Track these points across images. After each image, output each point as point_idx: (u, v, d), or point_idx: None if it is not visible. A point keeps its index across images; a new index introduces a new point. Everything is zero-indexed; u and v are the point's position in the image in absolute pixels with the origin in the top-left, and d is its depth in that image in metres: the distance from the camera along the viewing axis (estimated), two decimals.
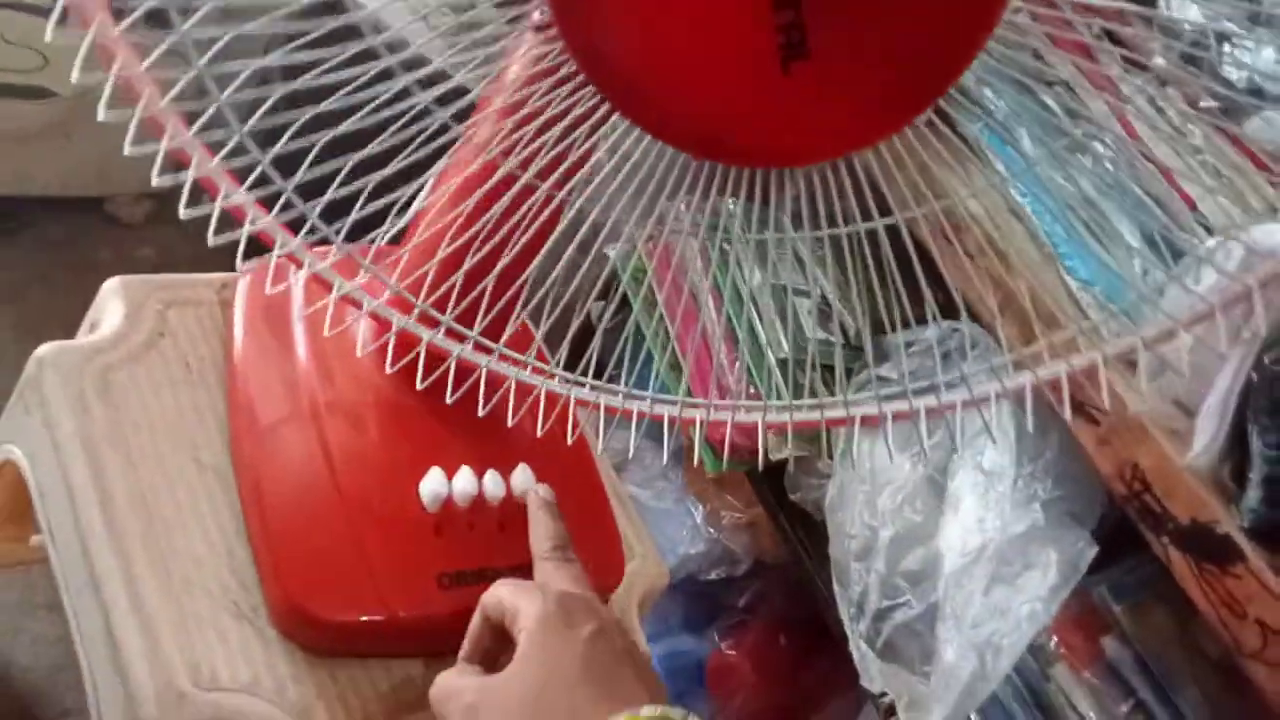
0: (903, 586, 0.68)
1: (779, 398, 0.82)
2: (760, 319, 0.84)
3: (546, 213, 0.45)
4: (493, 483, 0.52)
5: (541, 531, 0.50)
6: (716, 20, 0.35)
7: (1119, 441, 0.61)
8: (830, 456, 0.79)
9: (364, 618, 0.48)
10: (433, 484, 0.50)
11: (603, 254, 0.55)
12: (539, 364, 0.49)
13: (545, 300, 0.47)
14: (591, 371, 0.51)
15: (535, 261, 0.47)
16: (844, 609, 0.71)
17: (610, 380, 0.52)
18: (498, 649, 0.46)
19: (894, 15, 0.38)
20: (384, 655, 0.50)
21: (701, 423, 0.53)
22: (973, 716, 0.70)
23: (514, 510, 0.52)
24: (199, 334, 0.55)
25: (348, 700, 0.48)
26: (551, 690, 0.43)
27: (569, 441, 0.50)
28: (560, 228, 0.47)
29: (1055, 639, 0.67)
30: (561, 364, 0.50)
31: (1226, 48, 0.60)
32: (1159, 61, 0.64)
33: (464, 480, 0.51)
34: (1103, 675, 0.65)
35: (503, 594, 0.46)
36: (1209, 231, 0.64)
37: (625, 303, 0.66)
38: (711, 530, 1.01)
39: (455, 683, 0.45)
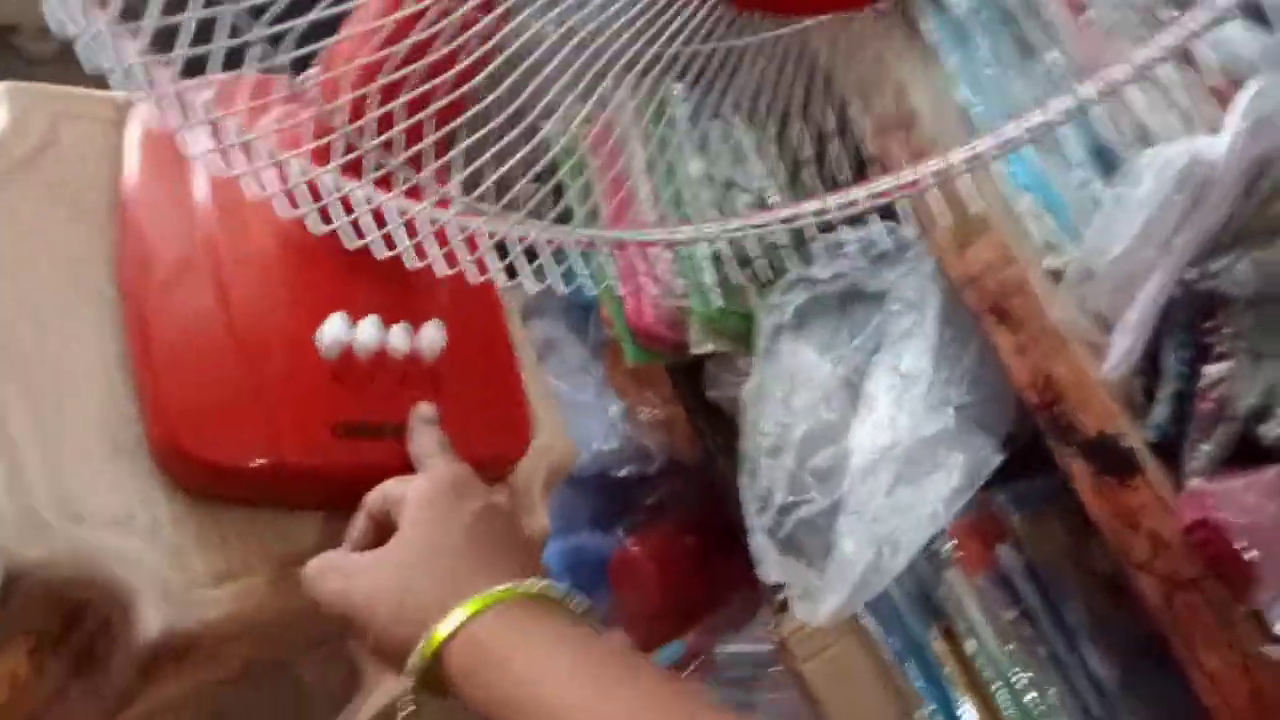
0: (809, 482, 0.68)
1: (704, 295, 0.81)
2: (692, 203, 0.82)
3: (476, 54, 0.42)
4: (399, 335, 0.49)
5: (424, 438, 0.48)
6: None
7: (1036, 351, 0.61)
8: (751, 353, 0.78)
9: (251, 461, 0.45)
10: (333, 329, 0.47)
11: (535, 129, 0.53)
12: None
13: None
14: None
15: (460, 119, 0.45)
16: (749, 502, 0.71)
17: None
18: (380, 542, 0.45)
19: None
20: (272, 504, 0.48)
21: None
22: (864, 613, 0.71)
23: (420, 367, 0.50)
24: (90, 152, 0.51)
25: (229, 545, 0.46)
26: (430, 559, 0.42)
27: (478, 280, 0.48)
28: (495, 94, 0.45)
29: (952, 542, 0.68)
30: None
31: None
32: None
33: (368, 329, 0.48)
34: (993, 581, 0.66)
35: (386, 487, 0.45)
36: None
37: (558, 190, 0.63)
38: (627, 426, 1.00)
39: (330, 559, 0.44)
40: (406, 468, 0.48)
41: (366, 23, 0.41)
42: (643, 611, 1.15)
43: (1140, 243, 0.55)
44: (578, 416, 1.04)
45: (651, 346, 0.85)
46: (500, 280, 0.52)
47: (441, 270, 0.47)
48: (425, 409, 0.49)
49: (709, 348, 0.81)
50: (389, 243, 0.45)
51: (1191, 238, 0.54)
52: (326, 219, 0.44)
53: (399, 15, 0.40)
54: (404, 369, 0.50)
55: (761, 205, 0.86)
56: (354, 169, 0.44)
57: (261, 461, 0.45)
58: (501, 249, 0.51)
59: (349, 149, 0.43)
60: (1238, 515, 0.51)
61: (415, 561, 0.42)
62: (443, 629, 0.39)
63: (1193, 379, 0.55)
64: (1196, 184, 0.52)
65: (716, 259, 0.82)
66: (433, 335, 0.50)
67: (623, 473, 1.03)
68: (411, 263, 0.46)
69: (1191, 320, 0.55)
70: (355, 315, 0.48)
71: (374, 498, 0.45)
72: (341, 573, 0.43)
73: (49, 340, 0.45)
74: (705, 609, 1.08)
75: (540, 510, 0.58)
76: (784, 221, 0.54)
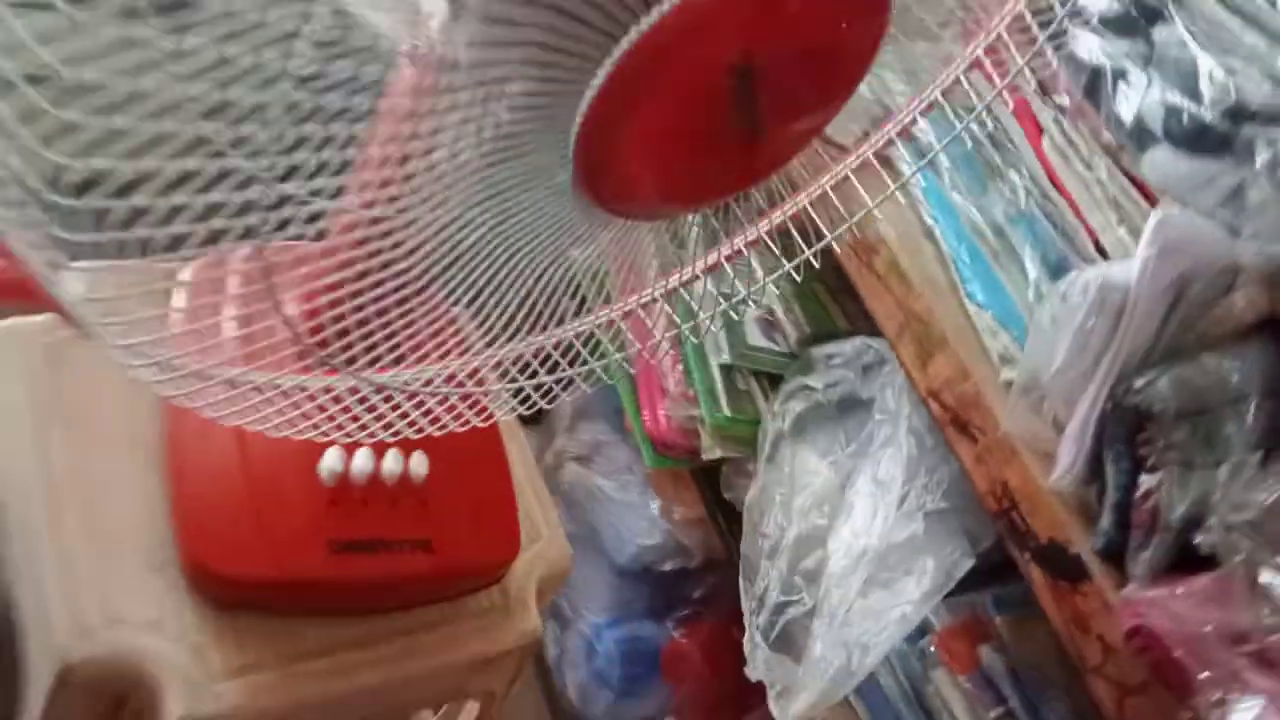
0: (799, 584, 0.72)
1: (715, 403, 0.87)
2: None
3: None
4: (391, 461, 0.57)
5: None
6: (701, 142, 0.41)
7: (992, 460, 0.64)
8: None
9: (259, 576, 0.54)
10: (330, 460, 0.55)
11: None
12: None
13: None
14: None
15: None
16: (747, 602, 0.75)
17: None
18: None
19: (817, 90, 0.43)
20: (278, 612, 0.56)
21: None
22: (860, 712, 0.74)
23: (409, 488, 0.58)
24: None
25: (244, 645, 0.55)
26: None
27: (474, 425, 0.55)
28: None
29: (936, 644, 0.70)
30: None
31: (1122, 86, 0.63)
32: (1065, 98, 0.68)
33: (362, 459, 0.56)
34: (977, 682, 0.69)
35: None
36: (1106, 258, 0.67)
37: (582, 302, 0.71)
38: (665, 524, 1.06)
39: None
40: (395, 578, 0.55)
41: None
42: (699, 701, 1.19)
43: (1071, 361, 0.58)
44: (624, 513, 1.11)
45: (667, 453, 0.92)
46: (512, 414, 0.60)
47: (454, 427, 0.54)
48: None
49: (719, 454, 0.86)
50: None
51: (1117, 356, 0.57)
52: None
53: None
54: (395, 490, 0.58)
55: (769, 318, 0.92)
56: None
57: (267, 576, 0.54)
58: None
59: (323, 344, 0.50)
60: (1170, 622, 0.54)
61: None
62: None
63: (1132, 489, 0.58)
64: (1113, 307, 0.56)
65: (726, 369, 0.88)
66: (420, 460, 0.58)
67: (666, 567, 1.09)
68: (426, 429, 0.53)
69: (1127, 433, 0.58)
70: (350, 445, 0.56)
71: None
72: None
73: (106, 475, 0.55)
74: (751, 700, 1.12)
75: (532, 611, 0.65)
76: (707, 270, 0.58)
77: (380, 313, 0.47)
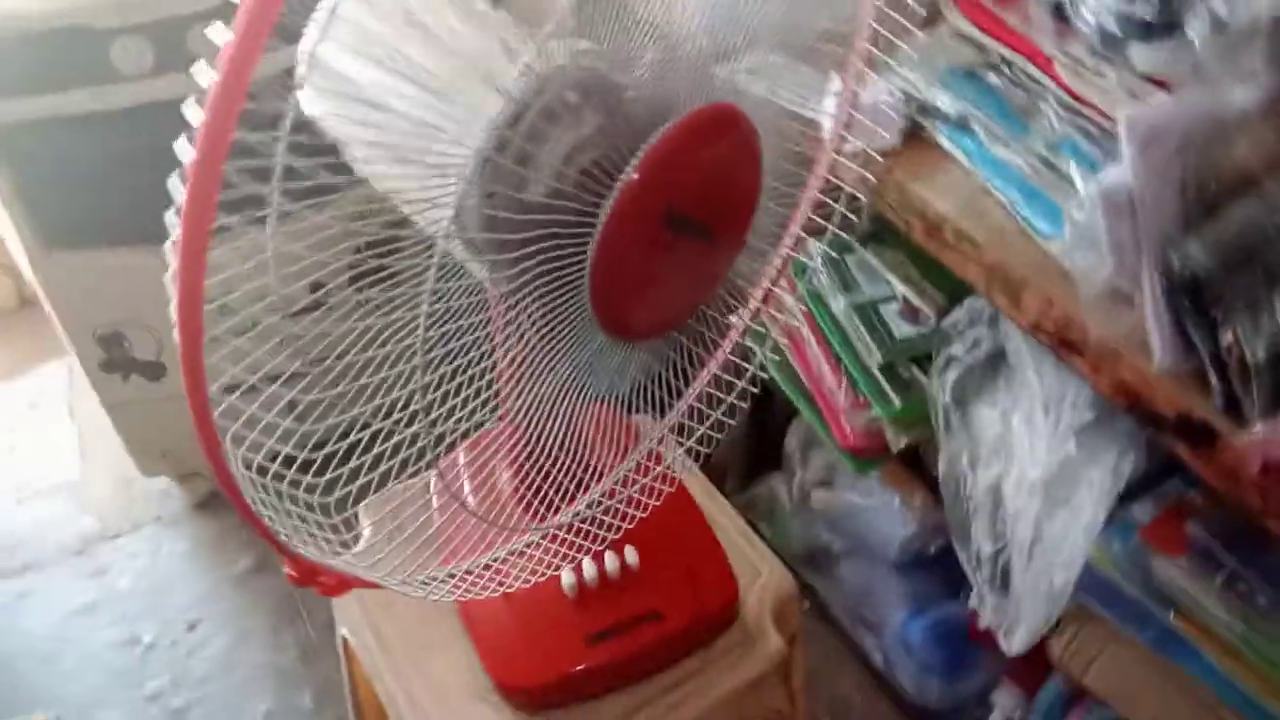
0: (1000, 530, 0.80)
1: (885, 400, 0.96)
2: (853, 335, 0.99)
3: None
4: (611, 562, 0.73)
5: None
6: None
7: (1104, 365, 0.70)
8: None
9: (543, 679, 0.70)
10: (567, 579, 0.72)
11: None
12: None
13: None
14: None
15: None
16: (967, 564, 0.83)
17: None
18: None
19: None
20: (575, 702, 0.72)
21: None
22: (1115, 620, 0.79)
23: (631, 575, 0.73)
24: None
25: None
26: None
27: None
28: None
29: (1144, 537, 0.75)
30: None
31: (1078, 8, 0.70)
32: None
33: (589, 569, 0.72)
34: (1192, 558, 0.73)
35: None
36: None
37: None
38: (909, 513, 1.14)
39: None
40: (645, 648, 0.70)
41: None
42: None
43: (1118, 260, 0.64)
44: (876, 516, 1.20)
45: (865, 456, 1.01)
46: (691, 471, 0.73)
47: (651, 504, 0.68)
48: None
49: (905, 442, 0.95)
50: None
51: (1149, 243, 0.63)
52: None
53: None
54: (621, 580, 0.73)
55: (907, 307, 1.00)
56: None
57: (550, 677, 0.70)
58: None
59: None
60: None
61: None
62: None
63: (1219, 347, 0.62)
64: (1123, 207, 0.62)
65: (884, 368, 0.97)
66: (631, 552, 0.73)
67: (931, 549, 1.16)
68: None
69: (1192, 302, 0.63)
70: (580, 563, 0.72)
71: None
72: None
73: (431, 646, 0.74)
74: None
75: (771, 637, 0.77)
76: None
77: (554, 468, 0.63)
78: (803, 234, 0.74)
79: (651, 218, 0.51)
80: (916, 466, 1.09)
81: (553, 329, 0.53)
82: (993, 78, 0.81)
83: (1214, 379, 0.64)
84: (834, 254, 1.03)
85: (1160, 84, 0.70)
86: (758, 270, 0.73)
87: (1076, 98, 0.76)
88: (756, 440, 1.36)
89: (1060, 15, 0.72)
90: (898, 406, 0.94)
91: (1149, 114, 0.61)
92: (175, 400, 0.45)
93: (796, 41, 0.77)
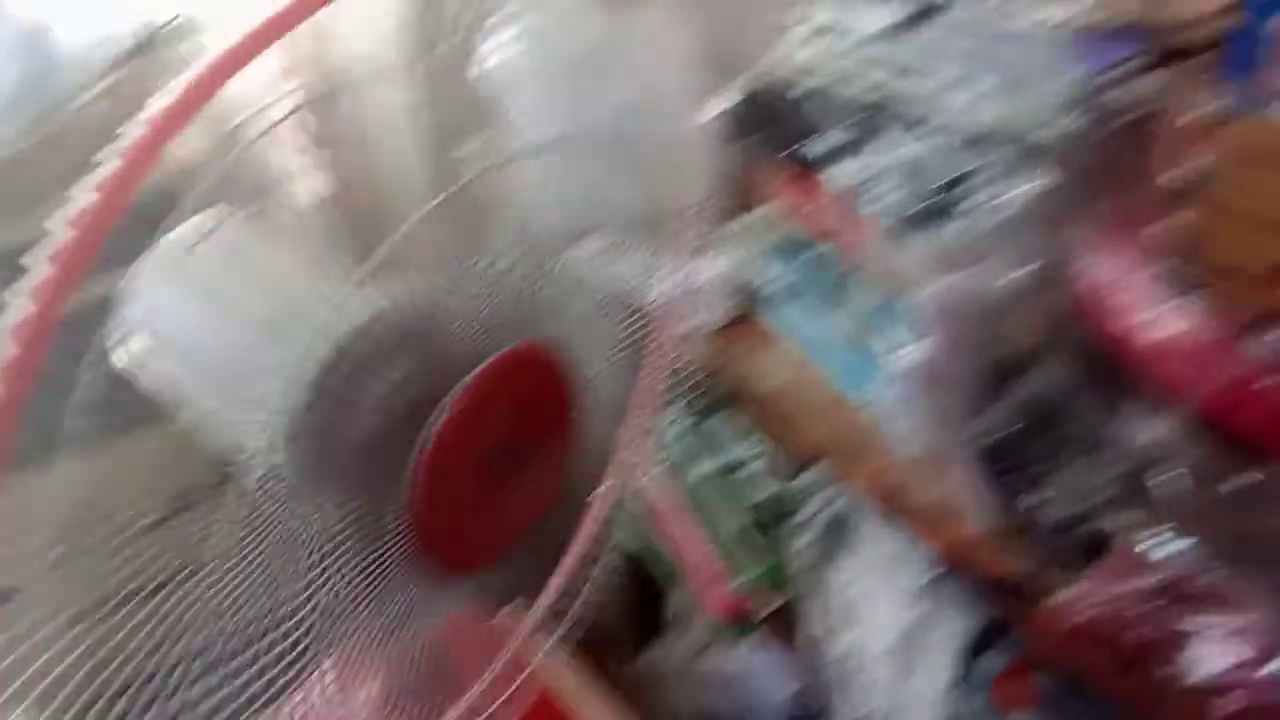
0: (861, 695, 0.80)
1: (747, 566, 0.97)
2: (712, 502, 1.00)
3: None
4: None
5: None
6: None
7: (932, 527, 0.72)
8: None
9: None
10: None
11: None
12: None
13: None
14: None
15: None
16: None
17: None
18: None
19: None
20: None
21: None
22: None
23: None
24: None
25: None
26: None
27: None
28: None
29: (995, 696, 0.76)
30: None
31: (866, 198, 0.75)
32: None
33: None
34: (1042, 709, 0.74)
35: None
36: None
37: None
38: (788, 675, 1.13)
39: None
40: None
41: None
42: None
43: (928, 431, 0.68)
44: (756, 680, 1.19)
45: (737, 622, 1.01)
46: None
47: None
48: None
49: (770, 607, 0.95)
50: None
51: (953, 415, 0.66)
52: None
53: None
54: None
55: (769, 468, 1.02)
56: None
57: None
58: None
59: None
60: (1099, 609, 0.60)
61: None
62: None
63: (1025, 510, 0.65)
64: (925, 381, 0.66)
65: (745, 533, 0.98)
66: None
67: (815, 710, 1.15)
68: None
69: (995, 469, 0.66)
70: None
71: None
72: None
73: None
74: None
75: None
76: None
77: None
78: (652, 408, 0.76)
79: (467, 454, 0.52)
80: (793, 626, 1.09)
81: (379, 569, 0.53)
82: (811, 254, 0.86)
83: (1026, 540, 0.66)
84: (688, 424, 1.06)
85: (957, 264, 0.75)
86: (611, 447, 0.75)
87: (883, 275, 0.81)
88: (641, 609, 1.35)
89: (856, 201, 0.77)
90: (759, 572, 0.95)
91: (943, 292, 0.66)
92: None
93: (638, 223, 0.82)
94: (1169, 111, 0.57)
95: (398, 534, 0.52)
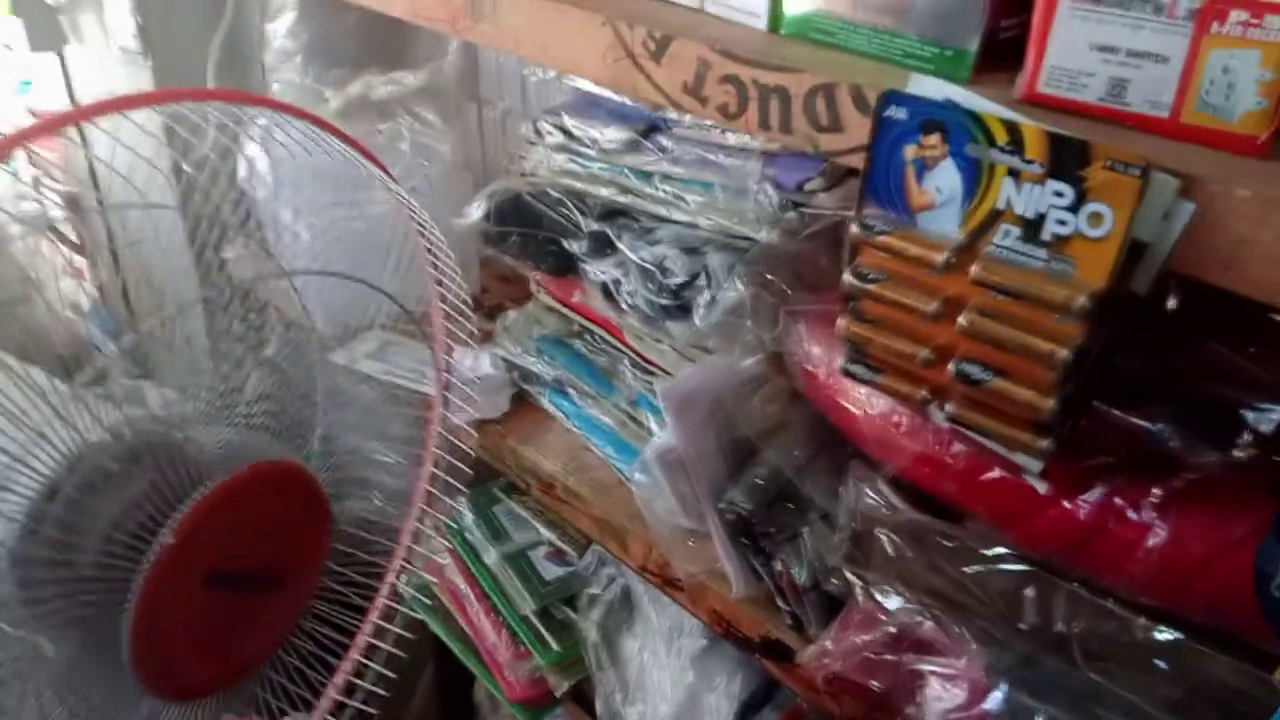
0: None
1: (543, 646, 1.00)
2: (506, 584, 1.03)
3: None
4: None
5: None
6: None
7: (697, 597, 0.78)
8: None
9: None
10: None
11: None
12: None
13: None
14: None
15: None
16: None
17: None
18: None
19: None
20: None
21: None
22: None
23: None
24: None
25: None
26: None
27: None
28: None
29: None
30: None
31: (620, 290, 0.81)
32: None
33: None
34: None
35: None
36: None
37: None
38: None
39: None
40: None
41: None
42: None
43: (683, 507, 0.73)
44: None
45: (534, 705, 1.04)
46: None
47: None
48: None
49: (567, 685, 0.99)
50: None
51: (703, 490, 0.72)
52: None
53: None
54: None
55: (554, 548, 1.06)
56: None
57: None
58: None
59: None
60: (846, 660, 0.66)
61: None
62: None
63: (775, 574, 0.71)
64: (675, 464, 0.71)
65: (540, 614, 1.02)
66: None
67: None
68: None
69: (746, 537, 0.72)
70: None
71: None
72: None
73: None
74: None
75: None
76: None
77: None
78: (430, 498, 0.79)
79: (191, 580, 0.53)
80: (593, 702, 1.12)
81: (111, 698, 0.53)
82: (579, 344, 0.91)
83: (780, 602, 0.73)
84: (477, 510, 1.08)
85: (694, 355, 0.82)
86: (397, 537, 0.77)
87: (645, 359, 0.86)
88: (446, 696, 1.35)
89: (610, 295, 0.83)
90: (556, 651, 0.98)
91: (680, 383, 0.72)
92: None
93: (408, 319, 0.85)
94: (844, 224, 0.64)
95: (126, 665, 0.52)
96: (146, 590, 0.50)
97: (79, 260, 1.30)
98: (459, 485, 0.78)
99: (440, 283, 0.79)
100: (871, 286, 0.53)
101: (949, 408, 0.53)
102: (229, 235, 0.87)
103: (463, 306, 0.78)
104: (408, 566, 0.77)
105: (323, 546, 0.62)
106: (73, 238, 1.27)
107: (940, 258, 0.51)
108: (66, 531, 0.50)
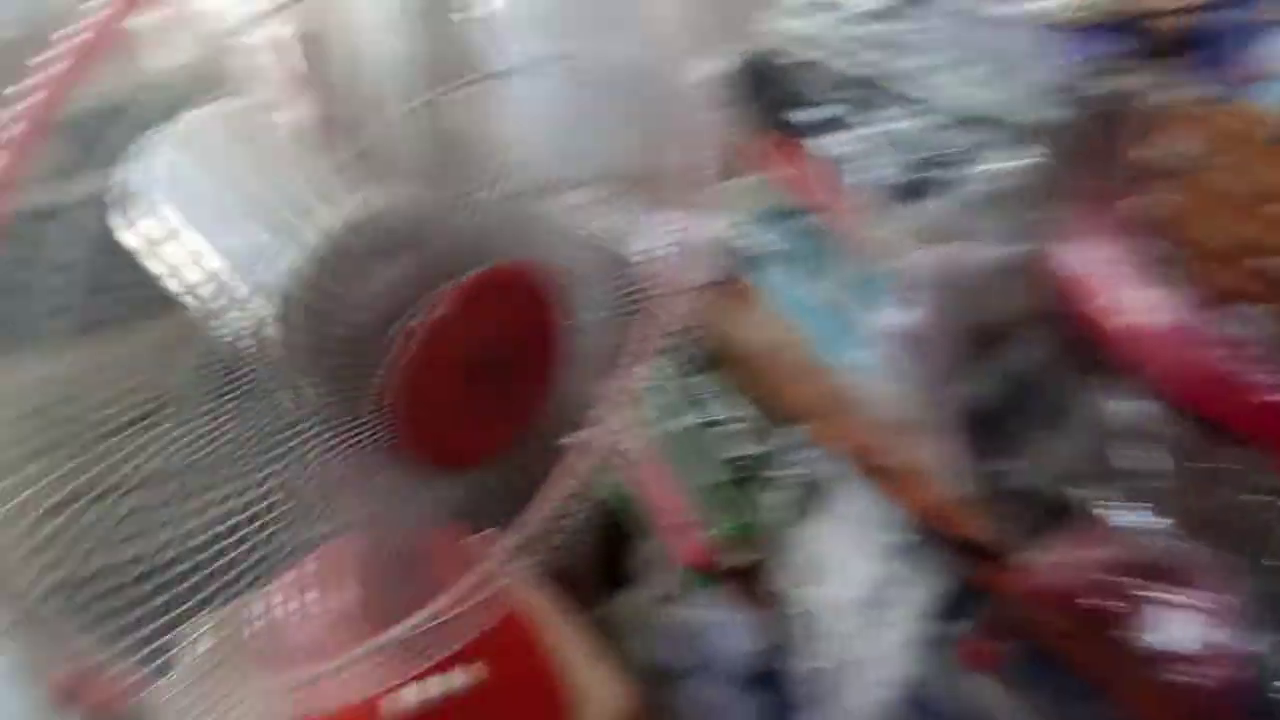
0: (824, 649, 0.83)
1: (719, 518, 1.00)
2: (690, 455, 1.03)
3: None
4: (435, 686, 0.72)
5: None
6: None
7: (906, 489, 0.75)
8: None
9: None
10: (389, 704, 0.71)
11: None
12: None
13: None
14: None
15: None
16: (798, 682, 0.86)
17: None
18: None
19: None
20: None
21: None
22: None
23: (457, 701, 0.73)
24: None
25: None
26: None
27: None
28: None
29: (958, 656, 0.80)
30: None
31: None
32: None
33: (412, 693, 0.72)
34: (1005, 673, 0.77)
35: None
36: None
37: None
38: (751, 630, 1.17)
39: None
40: None
41: None
42: None
43: (910, 393, 0.70)
44: (718, 634, 1.22)
45: (705, 572, 1.04)
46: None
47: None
48: None
49: (737, 560, 0.99)
50: None
51: (936, 379, 0.69)
52: None
53: None
54: (448, 706, 0.73)
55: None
56: None
57: None
58: None
59: None
60: (1063, 575, 0.64)
61: None
62: None
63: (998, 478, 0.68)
64: (911, 344, 0.68)
65: (720, 487, 1.01)
66: (459, 674, 0.73)
67: (777, 667, 1.19)
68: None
69: (972, 436, 0.69)
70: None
71: None
72: None
73: None
74: None
75: None
76: None
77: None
78: (638, 362, 0.78)
79: (450, 355, 0.54)
80: (759, 583, 1.12)
81: (354, 459, 0.55)
82: (797, 223, 0.88)
83: (994, 507, 0.70)
84: (671, 378, 1.07)
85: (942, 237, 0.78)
86: (596, 395, 0.77)
87: (867, 244, 0.83)
88: (608, 557, 1.37)
89: (841, 171, 0.80)
90: (730, 525, 0.98)
91: (930, 262, 0.68)
92: None
93: (636, 177, 0.83)
94: (1148, 100, 0.59)
95: (376, 426, 0.54)
96: (405, 360, 0.51)
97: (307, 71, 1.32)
98: (664, 354, 0.77)
99: (672, 141, 0.77)
100: (1190, 166, 0.48)
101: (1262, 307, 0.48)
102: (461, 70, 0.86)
103: (694, 170, 0.76)
104: (603, 427, 0.77)
105: (557, 363, 0.62)
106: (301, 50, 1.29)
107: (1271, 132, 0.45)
108: (334, 297, 0.51)
